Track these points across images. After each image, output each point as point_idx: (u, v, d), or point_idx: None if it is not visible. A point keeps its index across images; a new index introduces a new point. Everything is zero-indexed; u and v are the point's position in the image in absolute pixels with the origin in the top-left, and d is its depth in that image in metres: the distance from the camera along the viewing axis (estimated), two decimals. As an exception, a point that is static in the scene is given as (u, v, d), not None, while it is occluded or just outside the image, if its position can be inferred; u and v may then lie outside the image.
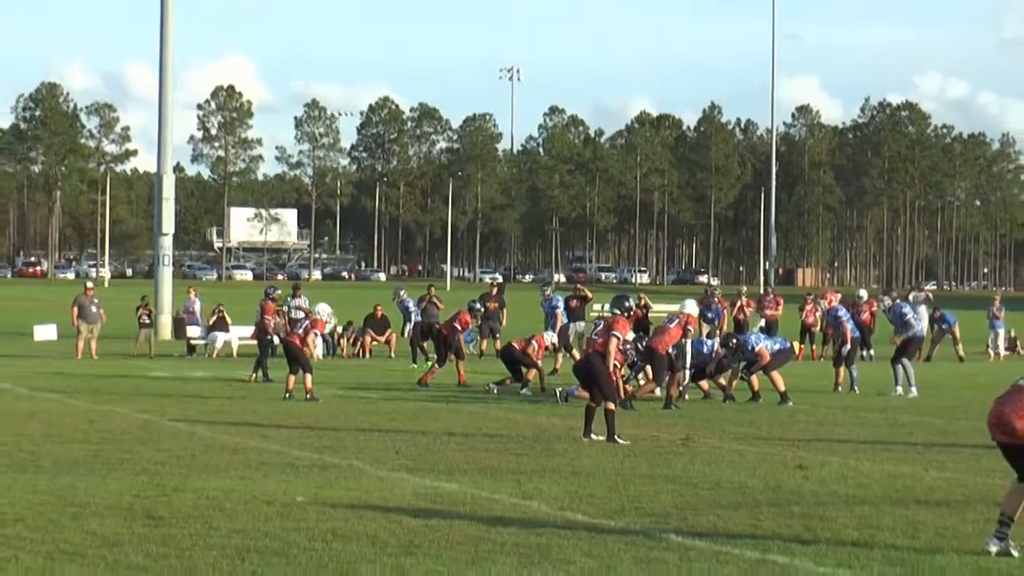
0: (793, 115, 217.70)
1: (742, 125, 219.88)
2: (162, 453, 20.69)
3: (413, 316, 46.88)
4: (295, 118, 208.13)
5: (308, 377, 30.89)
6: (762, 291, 59.44)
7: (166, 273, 59.35)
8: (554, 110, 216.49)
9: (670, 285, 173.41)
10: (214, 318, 51.74)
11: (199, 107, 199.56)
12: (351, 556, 12.48)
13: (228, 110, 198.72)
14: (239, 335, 50.57)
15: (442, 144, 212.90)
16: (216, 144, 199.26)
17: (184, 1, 56.87)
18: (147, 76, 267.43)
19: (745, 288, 55.95)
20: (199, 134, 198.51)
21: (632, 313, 22.95)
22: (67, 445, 21.77)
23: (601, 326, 23.91)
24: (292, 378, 31.01)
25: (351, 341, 54.51)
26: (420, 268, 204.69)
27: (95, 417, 26.67)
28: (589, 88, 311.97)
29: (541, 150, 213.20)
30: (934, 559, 12.81)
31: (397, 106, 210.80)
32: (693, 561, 12.29)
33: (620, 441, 22.26)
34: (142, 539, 13.34)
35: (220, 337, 50.58)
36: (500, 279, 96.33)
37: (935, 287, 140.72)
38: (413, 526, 14.21)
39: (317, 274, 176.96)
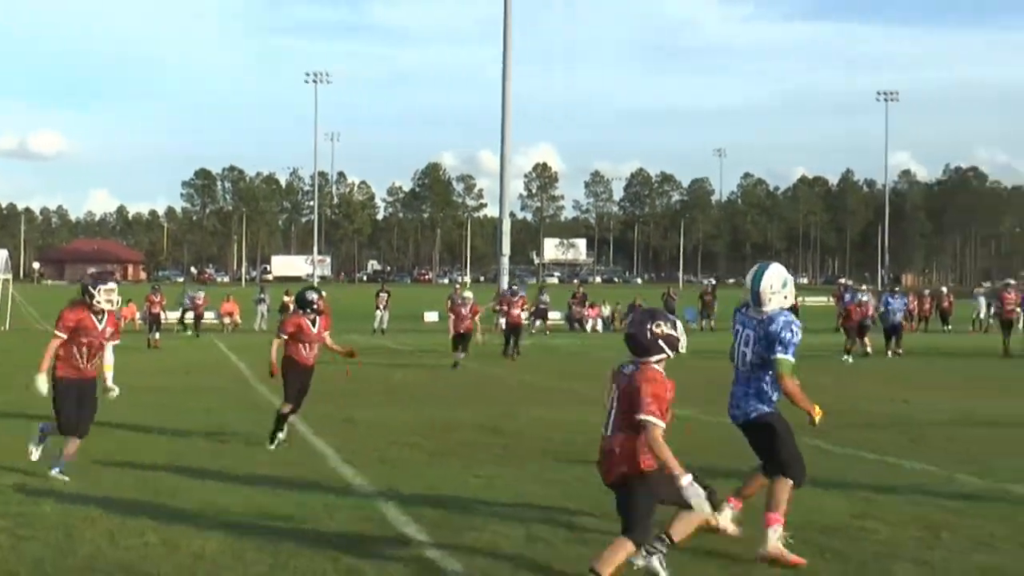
0: None
1: None
2: (507, 393, 20.57)
3: None
4: (584, 182, 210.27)
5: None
6: None
7: (503, 279, 59.82)
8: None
9: None
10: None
11: (525, 176, 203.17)
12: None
13: (542, 178, 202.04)
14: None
15: (676, 197, 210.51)
16: (535, 199, 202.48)
17: (516, 110, 57.32)
18: (492, 158, 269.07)
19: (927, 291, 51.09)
20: (525, 193, 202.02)
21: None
22: (437, 385, 21.85)
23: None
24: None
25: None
26: (663, 275, 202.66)
27: (461, 370, 26.91)
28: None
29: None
30: None
31: (649, 175, 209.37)
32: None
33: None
34: (490, 445, 13.34)
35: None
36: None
37: None
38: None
39: (598, 279, 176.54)
